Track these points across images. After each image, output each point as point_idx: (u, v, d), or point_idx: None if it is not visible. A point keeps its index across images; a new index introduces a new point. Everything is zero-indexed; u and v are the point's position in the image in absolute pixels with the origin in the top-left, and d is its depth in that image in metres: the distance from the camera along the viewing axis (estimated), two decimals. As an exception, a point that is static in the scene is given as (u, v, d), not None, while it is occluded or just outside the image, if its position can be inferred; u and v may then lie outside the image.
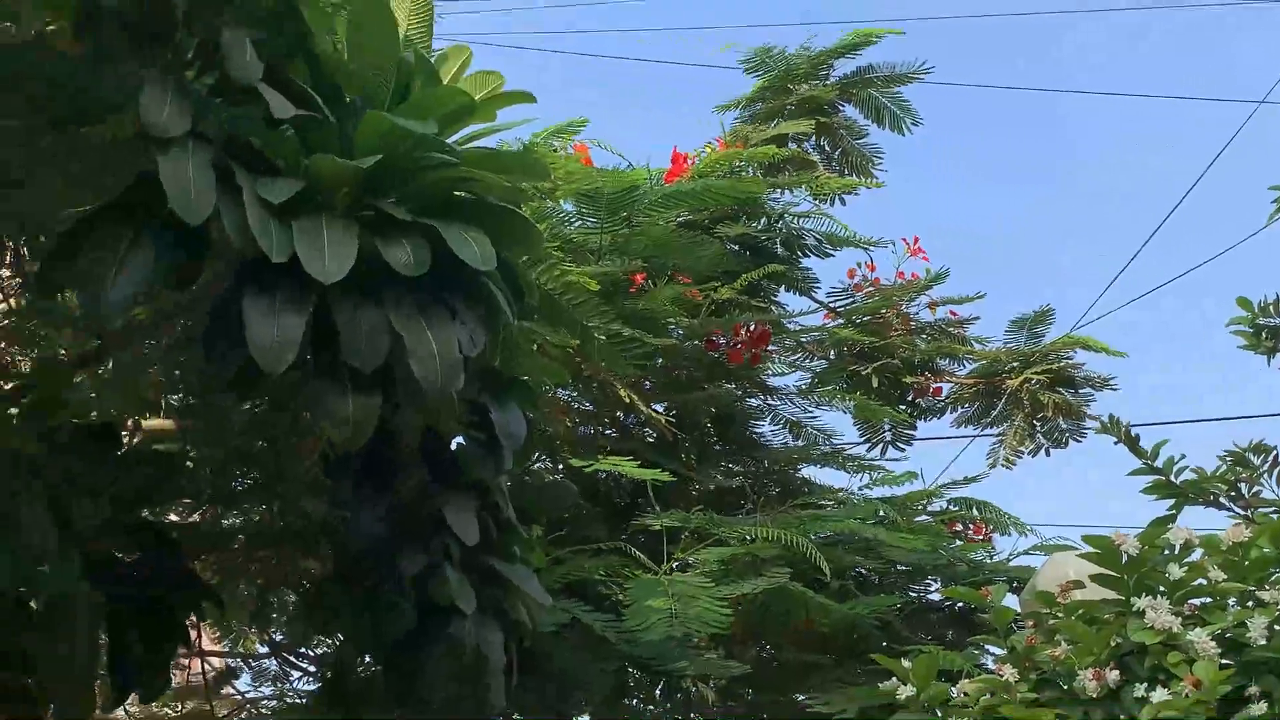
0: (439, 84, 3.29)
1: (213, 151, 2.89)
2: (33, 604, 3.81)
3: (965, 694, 3.79)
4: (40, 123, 3.20)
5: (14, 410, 3.48)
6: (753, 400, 6.52)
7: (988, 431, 7.07)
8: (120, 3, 2.97)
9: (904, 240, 6.83)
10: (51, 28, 3.33)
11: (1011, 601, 4.80)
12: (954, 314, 7.10)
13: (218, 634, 6.66)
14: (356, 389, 2.98)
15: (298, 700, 6.44)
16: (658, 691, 5.86)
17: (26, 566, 3.50)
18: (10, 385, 3.64)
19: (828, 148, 7.05)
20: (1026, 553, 6.50)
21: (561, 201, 5.20)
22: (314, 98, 3.08)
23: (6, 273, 4.37)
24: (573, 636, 4.70)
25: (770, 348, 6.10)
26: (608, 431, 5.91)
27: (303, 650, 6.08)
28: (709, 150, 6.00)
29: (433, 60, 3.61)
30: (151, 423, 4.29)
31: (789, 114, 6.72)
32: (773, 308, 6.49)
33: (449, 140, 3.26)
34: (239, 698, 7.14)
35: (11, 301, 4.52)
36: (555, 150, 5.68)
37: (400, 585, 3.74)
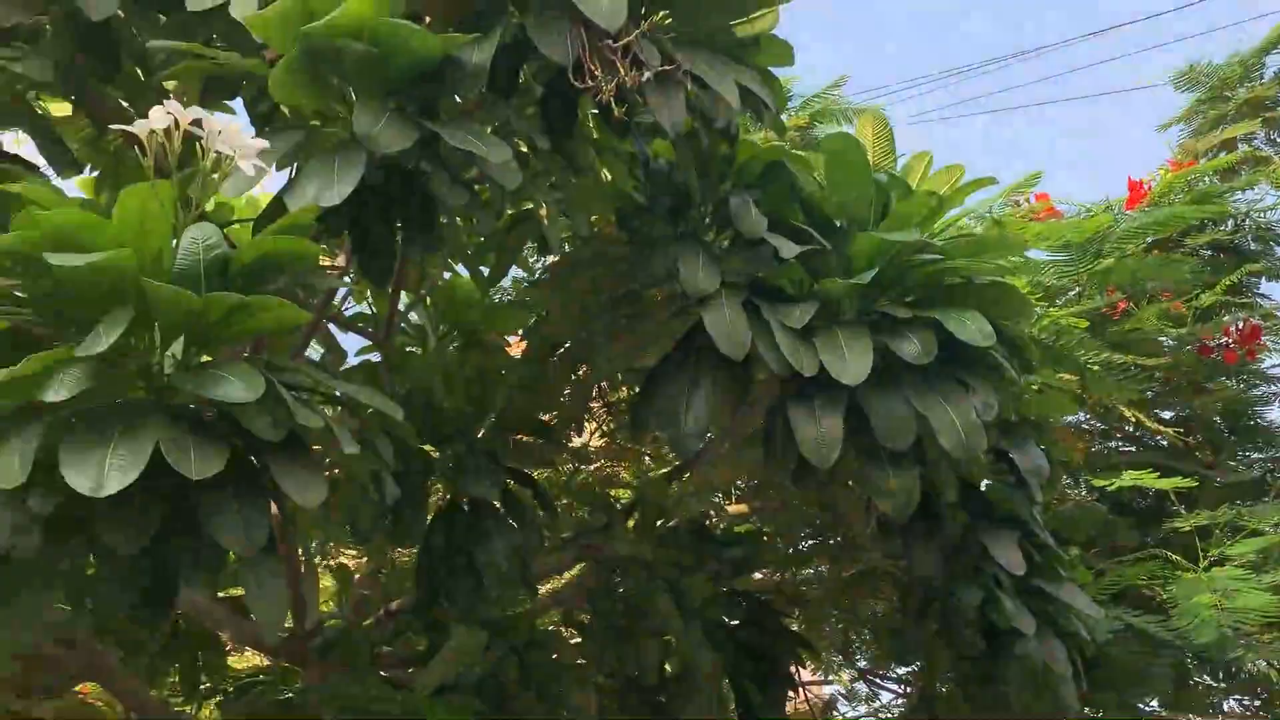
0: (910, 193, 3.36)
1: (743, 295, 3.13)
2: (666, 668, 4.18)
3: None
4: (605, 299, 3.59)
5: (630, 522, 3.86)
6: (1256, 389, 6.00)
7: None
8: (661, 200, 3.29)
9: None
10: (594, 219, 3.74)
11: None
12: None
13: (812, 667, 6.94)
14: (894, 465, 3.08)
15: (888, 715, 6.59)
16: (1220, 675, 5.47)
17: (660, 644, 3.86)
18: (625, 501, 4.04)
19: (1277, 139, 6.46)
20: None
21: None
22: (810, 232, 3.26)
23: (595, 405, 4.89)
24: (1128, 639, 4.51)
25: (1262, 339, 5.60)
26: (1121, 446, 5.64)
27: (883, 673, 6.21)
28: (1162, 172, 5.66)
29: (898, 168, 3.71)
30: (733, 508, 4.60)
31: (1231, 119, 6.23)
32: (1258, 301, 5.98)
33: (929, 232, 3.34)
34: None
35: (602, 428, 5.05)
36: (1018, 204, 5.60)
37: (963, 614, 3.83)
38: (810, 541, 5.02)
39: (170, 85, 3.33)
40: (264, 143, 2.29)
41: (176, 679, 4.50)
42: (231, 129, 2.23)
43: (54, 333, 2.34)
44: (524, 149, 3.14)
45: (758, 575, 5.10)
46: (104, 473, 2.05)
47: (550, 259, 4.22)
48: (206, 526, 2.19)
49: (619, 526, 3.79)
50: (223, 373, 2.22)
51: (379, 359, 4.00)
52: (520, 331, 4.77)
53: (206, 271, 2.34)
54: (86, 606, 2.34)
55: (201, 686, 4.64)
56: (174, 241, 2.31)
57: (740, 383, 3.17)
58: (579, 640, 4.32)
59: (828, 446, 2.97)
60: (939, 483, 3.42)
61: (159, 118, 2.15)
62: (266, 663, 5.19)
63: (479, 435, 3.46)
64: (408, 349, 4.41)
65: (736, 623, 4.29)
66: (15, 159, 2.98)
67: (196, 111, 2.21)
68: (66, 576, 2.30)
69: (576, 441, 4.95)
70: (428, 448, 3.47)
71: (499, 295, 4.88)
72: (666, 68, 2.79)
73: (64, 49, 2.88)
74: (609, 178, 3.63)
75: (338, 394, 2.40)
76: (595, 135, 3.43)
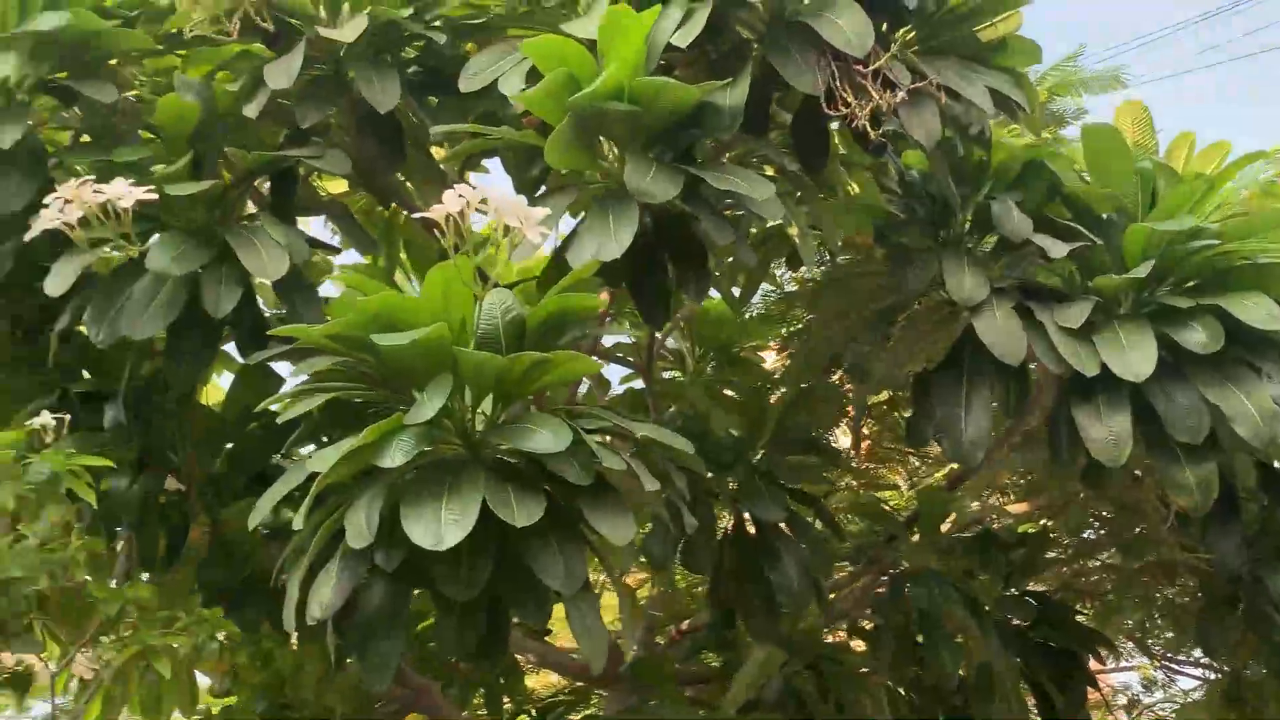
0: (1178, 178, 3.25)
1: (1013, 299, 3.10)
2: (961, 672, 4.15)
3: None
4: (868, 313, 3.62)
5: (913, 532, 3.87)
6: None
7: None
8: (918, 211, 3.31)
9: None
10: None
11: None
12: None
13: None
14: (1190, 458, 2.99)
15: (1186, 700, 6.38)
16: None
17: (956, 650, 3.84)
18: (903, 511, 4.06)
19: None
20: None
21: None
22: (1077, 229, 3.20)
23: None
24: None
25: None
26: None
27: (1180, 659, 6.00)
28: None
29: (1161, 153, 3.60)
30: (1013, 508, 4.53)
31: None
32: None
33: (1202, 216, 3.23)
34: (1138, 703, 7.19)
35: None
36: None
37: (1273, 600, 3.69)
38: (1098, 533, 4.88)
39: (438, 153, 3.58)
40: (546, 211, 2.45)
41: (481, 701, 4.78)
42: (518, 203, 2.39)
43: (380, 400, 2.58)
44: (770, 171, 3.22)
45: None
46: (441, 527, 2.24)
47: (804, 273, 4.28)
48: (533, 569, 2.35)
49: (904, 538, 3.80)
50: (532, 426, 2.38)
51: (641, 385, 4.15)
52: (773, 343, 4.86)
53: (505, 332, 2.52)
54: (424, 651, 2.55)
55: (505, 706, 4.92)
56: (475, 308, 2.50)
57: (1018, 388, 3.15)
58: (864, 649, 4.35)
59: (1118, 446, 2.91)
60: (1237, 471, 3.29)
61: (454, 202, 2.33)
62: (561, 682, 5.44)
63: (755, 458, 3.54)
64: (665, 373, 4.55)
65: (1028, 623, 4.24)
66: (315, 242, 3.26)
67: (486, 191, 2.39)
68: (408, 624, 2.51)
69: (840, 444, 4.98)
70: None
71: (746, 310, 4.95)
72: (918, 84, 2.81)
73: (356, 142, 3.15)
74: (855, 189, 3.66)
75: (636, 434, 2.53)
76: (841, 149, 3.47)
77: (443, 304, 2.41)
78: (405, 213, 3.65)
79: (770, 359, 5.02)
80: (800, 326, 4.57)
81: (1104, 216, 3.28)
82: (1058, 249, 3.09)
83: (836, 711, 3.69)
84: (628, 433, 2.54)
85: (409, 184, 3.57)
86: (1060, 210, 3.28)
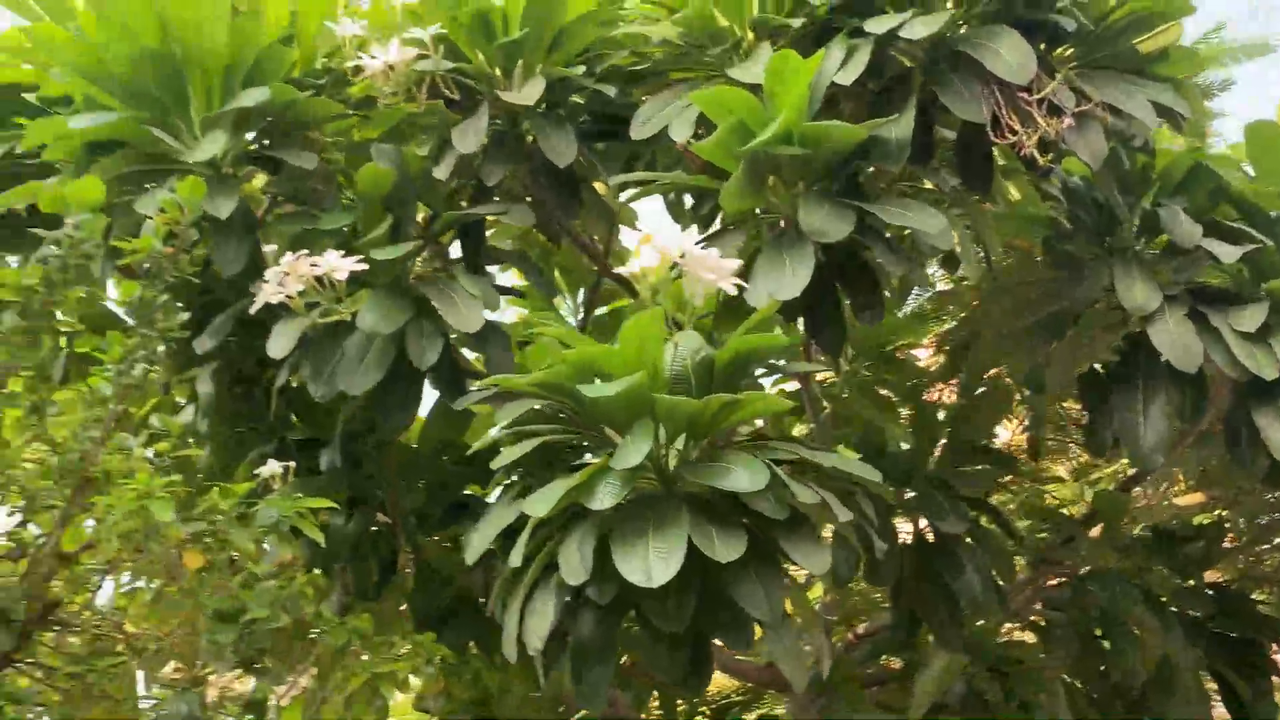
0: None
1: (1186, 306, 3.11)
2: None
3: None
4: (1030, 321, 3.64)
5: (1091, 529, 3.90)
6: None
7: None
8: (1083, 219, 3.33)
9: None
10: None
11: None
12: None
13: None
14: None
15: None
16: None
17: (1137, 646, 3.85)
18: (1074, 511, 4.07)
19: None
20: None
21: None
22: (1246, 231, 3.19)
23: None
24: None
25: None
26: None
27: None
28: None
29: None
30: (1184, 500, 4.49)
31: None
32: None
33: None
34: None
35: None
36: None
37: None
38: (1272, 519, 4.80)
39: (602, 189, 3.73)
40: (738, 262, 2.58)
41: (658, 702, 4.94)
42: (711, 256, 2.52)
43: (581, 442, 2.74)
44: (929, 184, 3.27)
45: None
46: (651, 565, 2.38)
47: (961, 276, 4.31)
48: (735, 599, 2.48)
49: (1081, 538, 3.83)
50: (728, 465, 2.51)
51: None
52: (926, 340, 4.88)
53: (695, 372, 2.65)
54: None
55: (680, 708, 5.07)
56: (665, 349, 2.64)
57: (1195, 392, 3.16)
58: (1038, 645, 4.37)
59: (1300, 447, 2.92)
60: None
61: (650, 257, 2.48)
62: (732, 683, 5.56)
63: (929, 468, 3.61)
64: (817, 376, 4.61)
65: (1206, 615, 4.21)
66: (503, 289, 3.44)
67: (678, 239, 2.52)
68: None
69: (998, 442, 4.99)
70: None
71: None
72: (1083, 108, 2.85)
73: (531, 190, 3.32)
74: (1015, 194, 3.69)
75: (824, 465, 2.64)
76: (999, 159, 3.50)
77: (638, 352, 2.55)
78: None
79: (923, 355, 5.05)
80: (954, 325, 4.60)
81: (1273, 215, 3.26)
82: (1228, 253, 3.09)
83: (1021, 711, 3.74)
84: (816, 464, 2.65)
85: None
86: (1227, 211, 3.26)
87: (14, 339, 2.36)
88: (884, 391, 4.49)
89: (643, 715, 4.84)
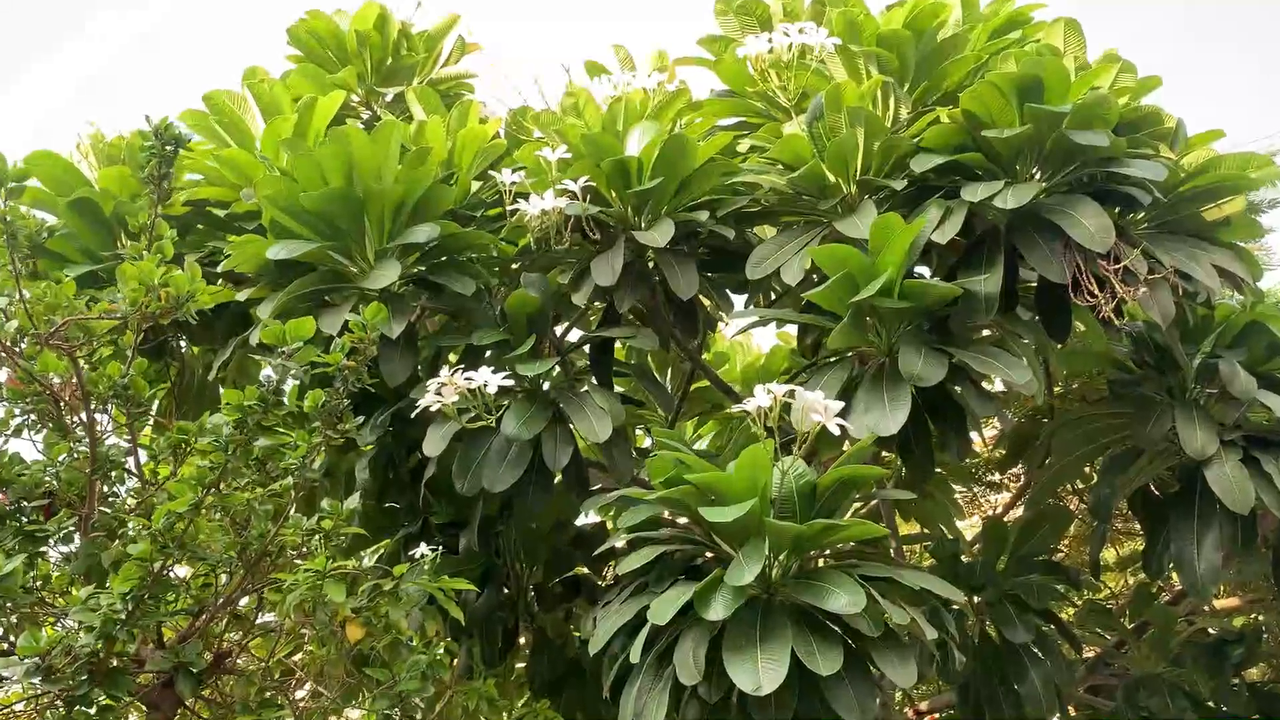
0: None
1: (1240, 451, 3.18)
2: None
3: None
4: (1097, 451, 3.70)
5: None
6: None
7: None
8: (1149, 362, 3.41)
9: None
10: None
11: None
12: None
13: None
14: None
15: None
16: None
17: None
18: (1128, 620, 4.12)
19: None
20: None
21: None
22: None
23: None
24: None
25: None
26: None
27: None
28: None
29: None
30: (1221, 603, 4.51)
31: None
32: None
33: None
34: None
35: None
36: None
37: None
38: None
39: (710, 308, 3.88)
40: (840, 404, 2.72)
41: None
42: (819, 400, 2.67)
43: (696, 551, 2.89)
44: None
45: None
46: (759, 674, 2.51)
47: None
48: (833, 706, 2.60)
49: (1133, 644, 3.88)
50: (830, 586, 2.62)
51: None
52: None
53: (799, 494, 2.79)
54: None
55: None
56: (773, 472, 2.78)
57: (1246, 530, 3.22)
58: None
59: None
60: None
61: (764, 398, 2.63)
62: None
63: (1001, 577, 3.66)
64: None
65: (1248, 714, 4.20)
66: (628, 399, 3.60)
67: (799, 393, 2.68)
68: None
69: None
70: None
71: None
72: (1156, 275, 2.95)
73: (658, 317, 3.48)
74: (1080, 327, 3.78)
75: (914, 587, 2.75)
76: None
77: (750, 480, 2.69)
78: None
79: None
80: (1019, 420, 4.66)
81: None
82: (1248, 393, 3.16)
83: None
84: (904, 583, 2.76)
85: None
86: (1280, 364, 3.34)
87: (233, 441, 2.55)
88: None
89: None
